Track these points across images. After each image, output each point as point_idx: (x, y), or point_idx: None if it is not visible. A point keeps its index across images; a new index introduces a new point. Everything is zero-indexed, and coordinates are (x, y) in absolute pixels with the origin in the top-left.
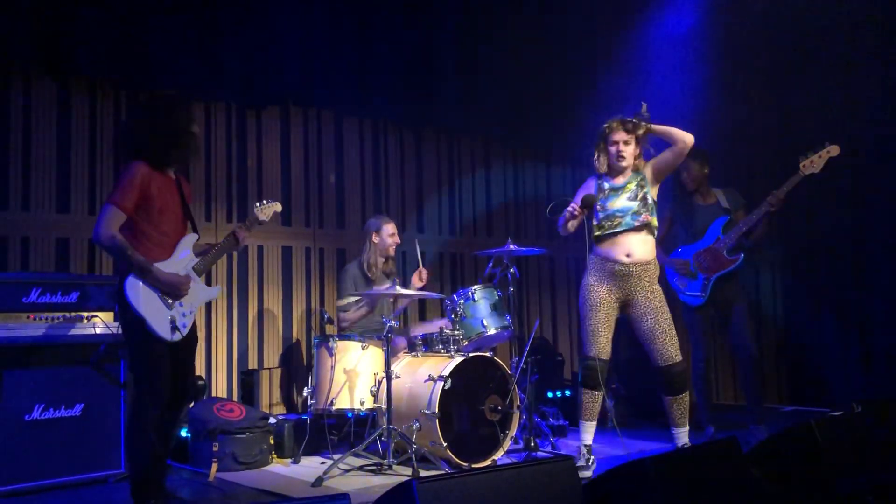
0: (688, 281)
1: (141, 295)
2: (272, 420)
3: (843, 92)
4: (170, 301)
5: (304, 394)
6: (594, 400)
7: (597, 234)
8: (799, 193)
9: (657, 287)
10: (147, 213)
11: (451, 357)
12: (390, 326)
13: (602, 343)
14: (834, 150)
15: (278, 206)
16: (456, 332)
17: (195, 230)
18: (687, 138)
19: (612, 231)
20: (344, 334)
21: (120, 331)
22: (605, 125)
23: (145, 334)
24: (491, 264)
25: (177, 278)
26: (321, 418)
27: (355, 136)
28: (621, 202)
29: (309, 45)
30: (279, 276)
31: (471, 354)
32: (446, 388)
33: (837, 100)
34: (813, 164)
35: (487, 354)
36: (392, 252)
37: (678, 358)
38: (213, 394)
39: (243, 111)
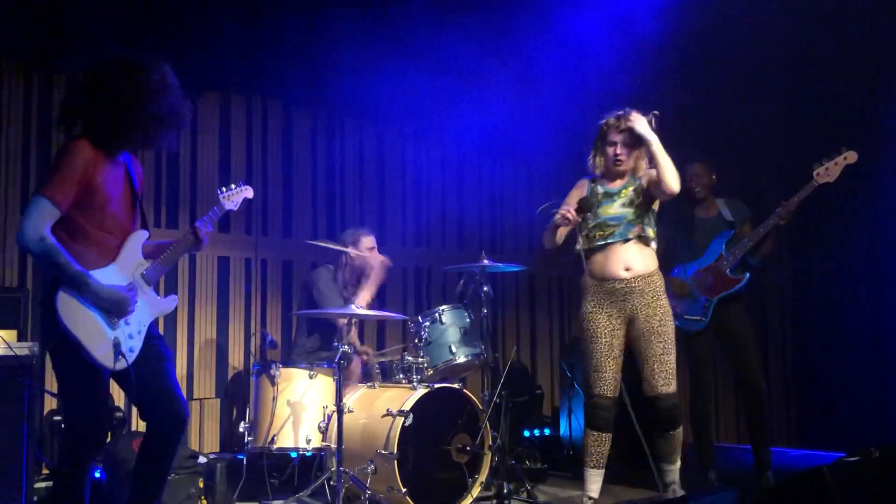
0: (685, 303)
1: (77, 313)
2: (202, 459)
3: (866, 91)
4: (113, 320)
5: (241, 429)
6: (601, 443)
7: (586, 247)
8: (812, 205)
9: (661, 303)
10: (88, 207)
11: (414, 389)
12: (343, 352)
13: (608, 378)
14: (851, 157)
15: (249, 192)
16: (420, 360)
17: (145, 226)
18: (672, 187)
19: (602, 242)
20: (289, 360)
21: (26, 352)
22: (603, 122)
23: (81, 363)
24: (462, 281)
25: (119, 294)
26: (260, 458)
27: (306, 129)
28: (615, 209)
29: (254, 25)
30: (214, 292)
31: (436, 386)
32: (407, 424)
33: (858, 100)
34: (828, 171)
35: (455, 386)
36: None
37: (665, 390)
38: (134, 428)
39: None
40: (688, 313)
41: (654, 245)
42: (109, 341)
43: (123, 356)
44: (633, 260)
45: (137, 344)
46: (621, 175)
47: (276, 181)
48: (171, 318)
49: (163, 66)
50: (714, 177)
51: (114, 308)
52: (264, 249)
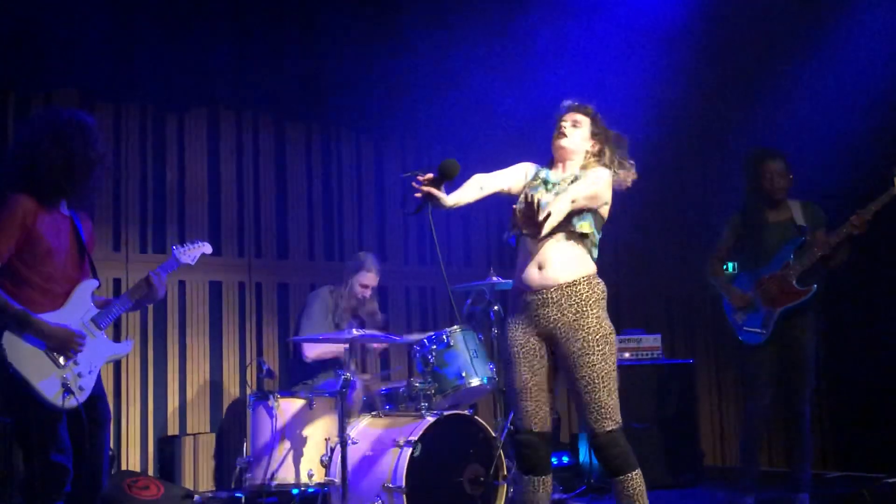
0: (746, 313)
1: (22, 352)
2: (198, 498)
3: None
4: (60, 359)
5: (239, 465)
6: (534, 489)
7: (509, 236)
8: (890, 215)
9: (588, 321)
10: (31, 256)
11: (422, 417)
12: (345, 380)
13: (531, 409)
14: None
15: (207, 248)
16: (427, 386)
17: (95, 276)
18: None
19: (523, 233)
20: (288, 390)
21: None
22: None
23: (31, 401)
24: (469, 301)
25: (65, 332)
26: (259, 496)
27: (301, 143)
28: (546, 196)
29: (243, 35)
30: (206, 319)
31: (445, 413)
32: (415, 455)
33: None
34: None
35: (466, 413)
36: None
37: (603, 428)
38: (124, 467)
39: (162, 114)
40: (748, 324)
41: (590, 245)
42: (57, 379)
43: (73, 394)
44: (551, 259)
45: (89, 383)
46: (565, 162)
47: (269, 199)
48: (161, 349)
49: (63, 116)
50: (791, 177)
51: (60, 346)
52: (259, 272)
